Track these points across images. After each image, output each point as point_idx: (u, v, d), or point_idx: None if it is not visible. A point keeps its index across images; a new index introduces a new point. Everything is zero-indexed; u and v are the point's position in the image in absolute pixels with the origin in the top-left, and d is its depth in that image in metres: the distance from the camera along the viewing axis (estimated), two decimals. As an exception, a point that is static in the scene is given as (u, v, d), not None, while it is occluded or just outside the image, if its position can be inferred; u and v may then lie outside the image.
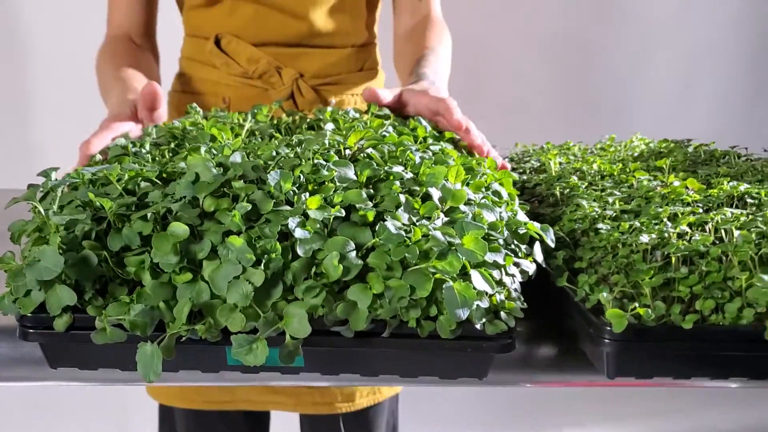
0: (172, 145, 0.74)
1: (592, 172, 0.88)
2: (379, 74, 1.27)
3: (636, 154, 1.00)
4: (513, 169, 1.00)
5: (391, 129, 0.75)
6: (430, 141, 0.76)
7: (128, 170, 0.62)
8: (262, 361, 0.52)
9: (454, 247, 0.54)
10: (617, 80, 2.19)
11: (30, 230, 0.58)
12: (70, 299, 0.53)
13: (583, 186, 0.82)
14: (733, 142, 1.06)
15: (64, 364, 0.59)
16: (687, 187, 0.76)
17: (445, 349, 0.57)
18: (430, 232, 0.55)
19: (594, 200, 0.76)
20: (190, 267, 0.55)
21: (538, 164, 0.99)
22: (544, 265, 0.66)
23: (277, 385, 1.13)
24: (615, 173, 0.86)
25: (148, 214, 0.55)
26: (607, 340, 0.59)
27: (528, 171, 0.97)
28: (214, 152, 0.66)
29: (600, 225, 0.70)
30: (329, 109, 0.87)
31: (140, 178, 0.61)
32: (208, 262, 0.54)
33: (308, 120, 0.89)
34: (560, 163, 0.95)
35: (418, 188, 0.61)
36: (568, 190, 0.82)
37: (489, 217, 0.60)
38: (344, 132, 0.71)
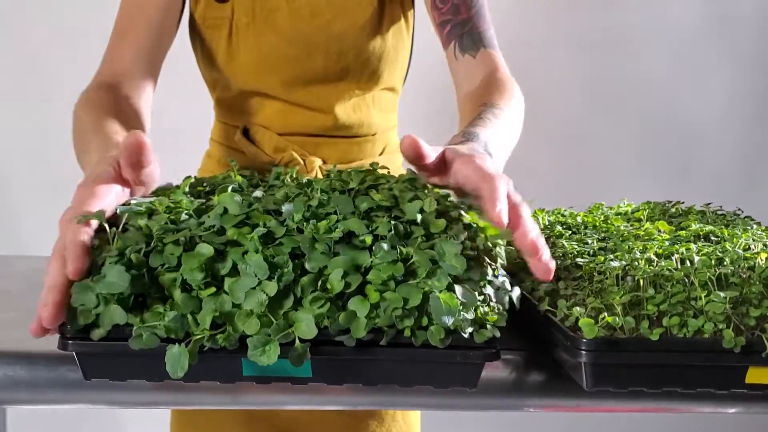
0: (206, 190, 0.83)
1: (576, 224, 0.97)
2: (398, 155, 1.32)
3: (623, 212, 1.09)
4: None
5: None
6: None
7: (173, 202, 0.71)
8: (274, 360, 0.60)
9: (437, 265, 0.63)
10: (613, 168, 2.30)
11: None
12: (120, 318, 0.61)
13: (567, 234, 0.91)
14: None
15: (97, 375, 0.66)
16: (659, 229, 0.85)
17: (437, 358, 0.64)
18: (414, 252, 0.64)
19: (575, 242, 0.85)
20: (214, 283, 0.63)
21: (530, 222, 1.07)
22: (517, 301, 0.72)
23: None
24: (597, 224, 0.95)
25: (180, 238, 0.64)
26: (583, 351, 0.66)
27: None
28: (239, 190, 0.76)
29: (579, 260, 0.78)
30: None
31: (183, 210, 0.70)
32: (229, 278, 0.63)
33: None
34: (548, 220, 1.03)
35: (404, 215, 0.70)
36: (553, 237, 0.91)
37: (460, 236, 0.68)
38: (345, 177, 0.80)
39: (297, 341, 0.61)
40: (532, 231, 0.66)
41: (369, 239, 0.66)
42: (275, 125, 1.21)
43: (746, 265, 0.71)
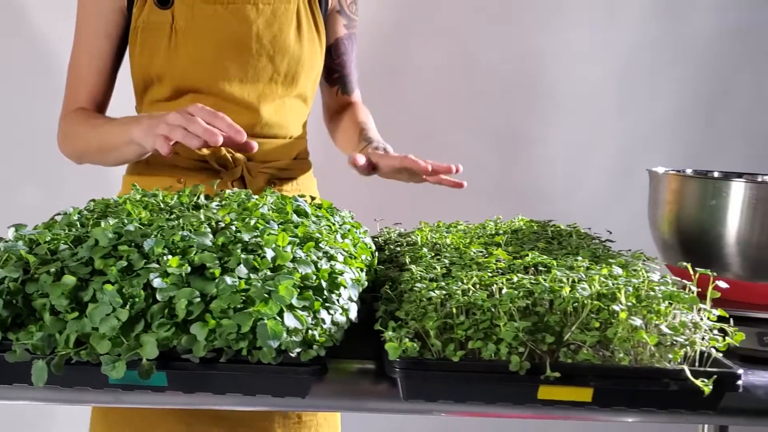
0: (96, 217, 0.95)
1: (445, 245, 1.08)
2: (308, 161, 1.51)
3: (503, 232, 1.20)
4: (398, 243, 1.20)
5: (265, 209, 0.97)
6: (295, 216, 0.98)
7: (54, 234, 0.83)
8: (121, 375, 0.72)
9: (268, 295, 0.75)
10: (558, 171, 2.39)
11: None
12: None
13: (430, 255, 1.03)
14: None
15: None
16: (499, 258, 0.96)
17: (272, 372, 0.77)
18: (253, 284, 0.76)
19: (425, 266, 0.96)
20: (78, 308, 0.75)
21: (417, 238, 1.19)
22: (355, 320, 0.85)
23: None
24: (460, 246, 1.06)
25: (51, 269, 0.76)
26: (398, 369, 0.78)
27: (405, 244, 1.18)
28: (121, 224, 0.87)
29: (418, 285, 0.89)
30: (232, 191, 1.09)
31: (61, 241, 0.82)
32: (92, 304, 0.75)
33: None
34: (428, 237, 1.15)
35: (259, 249, 0.82)
36: (417, 258, 1.02)
37: (304, 269, 0.81)
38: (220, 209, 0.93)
39: (144, 360, 0.74)
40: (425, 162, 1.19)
41: (218, 272, 0.78)
42: None
43: (551, 297, 0.83)
